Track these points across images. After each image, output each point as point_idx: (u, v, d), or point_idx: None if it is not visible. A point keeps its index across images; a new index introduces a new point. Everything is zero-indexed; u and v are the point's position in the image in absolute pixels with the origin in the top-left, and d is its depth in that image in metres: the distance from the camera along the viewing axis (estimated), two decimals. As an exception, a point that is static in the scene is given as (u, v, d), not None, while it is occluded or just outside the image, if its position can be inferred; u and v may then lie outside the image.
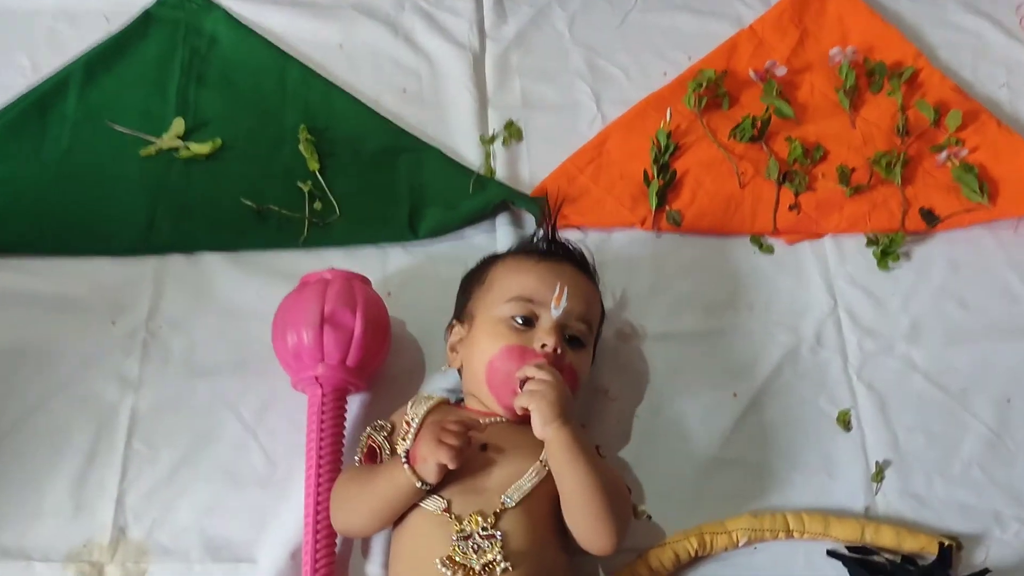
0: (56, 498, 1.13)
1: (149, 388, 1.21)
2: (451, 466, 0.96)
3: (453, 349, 1.15)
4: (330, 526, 1.08)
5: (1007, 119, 1.47)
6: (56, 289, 1.27)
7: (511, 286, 1.11)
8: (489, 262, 1.18)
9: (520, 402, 1.01)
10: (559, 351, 1.06)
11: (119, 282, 1.28)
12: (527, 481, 1.01)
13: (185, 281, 1.29)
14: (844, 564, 1.11)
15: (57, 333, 1.24)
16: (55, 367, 1.21)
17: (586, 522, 1.00)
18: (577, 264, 1.16)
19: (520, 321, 1.08)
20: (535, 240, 1.21)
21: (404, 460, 0.99)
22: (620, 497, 1.03)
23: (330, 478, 1.09)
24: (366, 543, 1.11)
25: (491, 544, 0.97)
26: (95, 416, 1.18)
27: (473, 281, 1.17)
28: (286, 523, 1.11)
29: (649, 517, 1.08)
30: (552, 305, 1.07)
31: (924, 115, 1.43)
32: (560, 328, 1.08)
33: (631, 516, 1.05)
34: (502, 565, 0.96)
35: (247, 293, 1.28)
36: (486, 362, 1.07)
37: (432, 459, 0.96)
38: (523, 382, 1.03)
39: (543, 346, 1.06)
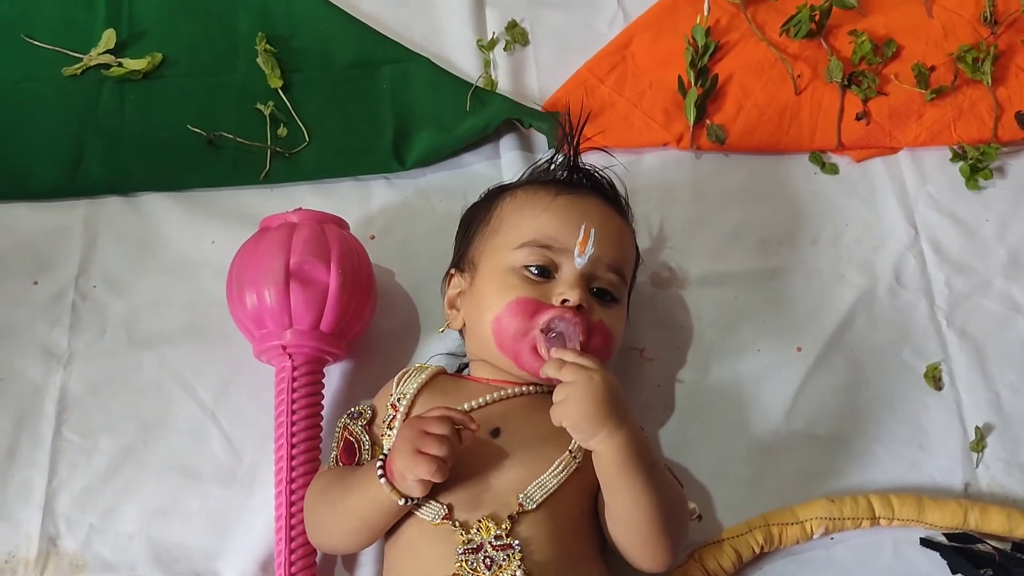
0: (-30, 504, 0.92)
1: (82, 363, 1.01)
2: (435, 479, 0.75)
3: (452, 305, 0.93)
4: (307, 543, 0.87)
5: (1116, 3, 1.22)
6: (-36, 243, 1.05)
7: (524, 228, 0.88)
8: (495, 196, 0.95)
9: (554, 415, 0.78)
10: (585, 307, 0.84)
11: (41, 232, 1.08)
12: (552, 477, 0.80)
13: (123, 229, 1.08)
14: (942, 555, 0.93)
15: (-33, 297, 1.02)
16: (-36, 340, 1.00)
17: (637, 543, 0.79)
18: (606, 198, 0.94)
19: (536, 271, 0.86)
20: (552, 167, 0.97)
21: (380, 472, 0.77)
22: (679, 511, 0.83)
23: (305, 471, 0.90)
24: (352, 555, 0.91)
25: (508, 557, 0.77)
26: (15, 400, 0.99)
27: (476, 220, 0.94)
28: (254, 527, 0.93)
29: (700, 517, 0.87)
30: (576, 252, 0.84)
31: (1016, -1, 1.19)
32: (586, 279, 0.86)
33: (689, 529, 0.84)
34: (522, 579, 0.75)
35: (200, 242, 1.07)
36: (491, 320, 0.85)
37: (410, 475, 0.75)
38: (546, 333, 0.82)
39: (564, 301, 0.84)
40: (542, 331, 0.83)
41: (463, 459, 0.79)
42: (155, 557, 0.91)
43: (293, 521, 0.88)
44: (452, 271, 0.95)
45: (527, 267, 0.86)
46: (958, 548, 0.92)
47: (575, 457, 0.81)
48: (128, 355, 1.01)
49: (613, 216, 0.92)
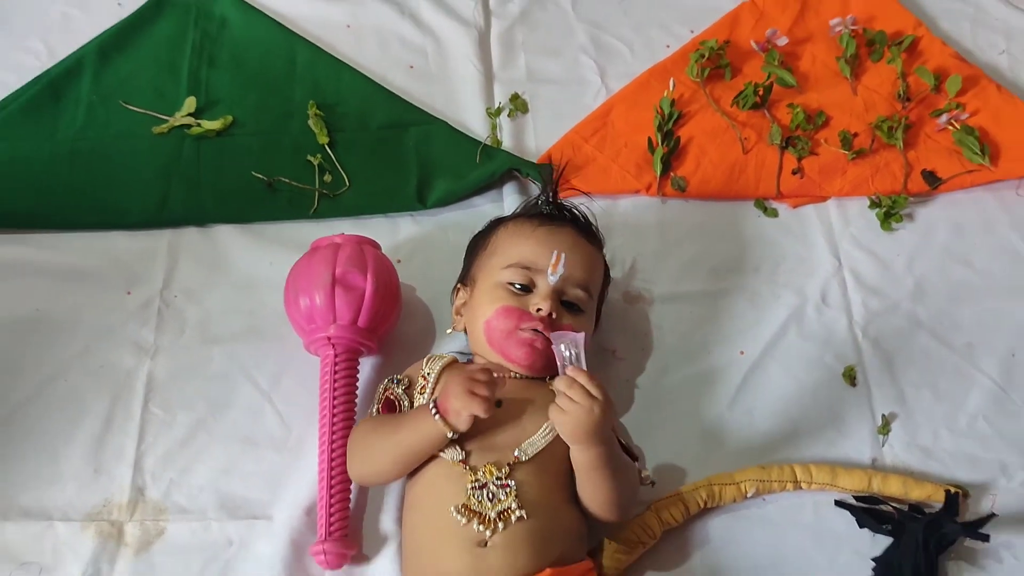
0: (75, 462, 1.15)
1: (165, 355, 1.23)
2: (484, 415, 0.98)
3: (458, 312, 1.17)
4: (344, 482, 1.10)
5: (1008, 84, 1.48)
6: (73, 261, 1.30)
7: (510, 252, 1.12)
8: (494, 226, 1.19)
9: (551, 416, 0.99)
10: (553, 316, 1.07)
11: (134, 254, 1.32)
12: (540, 438, 1.03)
13: (198, 252, 1.32)
14: (852, 513, 1.12)
15: (74, 304, 1.27)
16: (72, 337, 1.24)
17: (595, 510, 1.03)
18: (580, 229, 1.17)
19: (518, 287, 1.10)
20: (538, 204, 1.22)
21: (434, 411, 1.00)
22: (629, 490, 1.05)
23: (343, 436, 1.11)
24: (379, 498, 1.13)
25: (506, 493, 0.99)
26: (112, 383, 1.21)
27: (477, 245, 1.19)
28: (300, 482, 1.14)
29: (653, 483, 1.09)
30: (548, 271, 1.08)
31: (924, 81, 1.45)
32: (557, 293, 1.09)
33: (638, 490, 1.07)
34: (517, 513, 0.98)
35: (259, 263, 1.31)
36: (483, 323, 1.09)
37: (465, 411, 0.97)
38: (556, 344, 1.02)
39: (538, 310, 1.07)
40: (554, 342, 1.01)
41: (480, 422, 1.01)
42: (221, 504, 1.12)
43: (333, 475, 1.09)
44: (458, 285, 1.19)
45: (511, 283, 1.10)
46: (865, 508, 1.12)
47: (553, 429, 1.03)
48: (201, 350, 1.23)
49: (583, 244, 1.14)
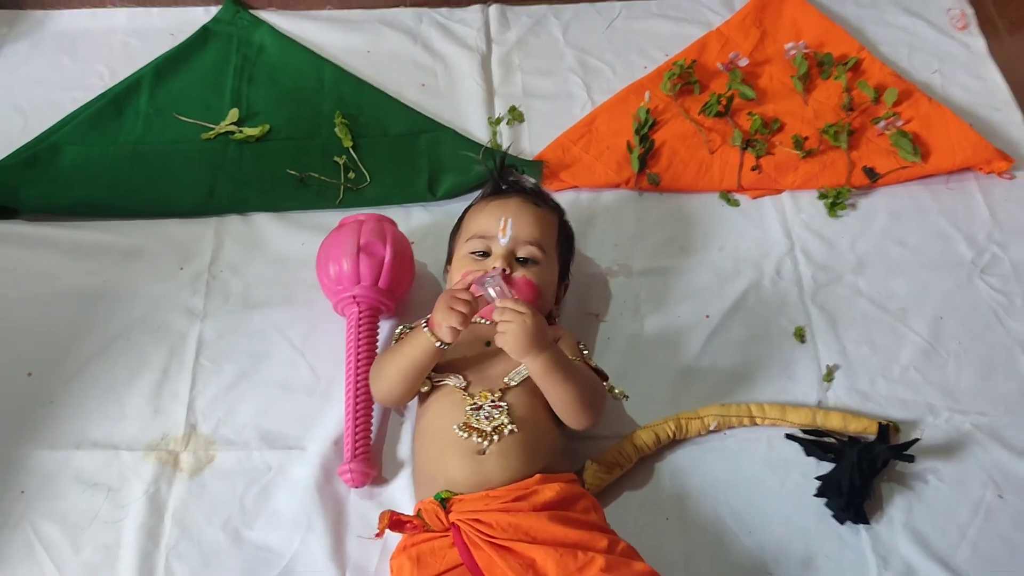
0: (137, 404, 1.35)
1: (212, 319, 1.44)
2: (460, 327, 1.17)
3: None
4: (367, 415, 1.30)
5: (939, 98, 1.71)
6: (134, 243, 1.52)
7: (470, 227, 1.33)
8: (465, 211, 1.40)
9: (496, 341, 1.18)
10: (507, 270, 1.26)
11: (186, 237, 1.54)
12: (524, 368, 1.22)
13: (240, 235, 1.54)
14: (800, 444, 1.32)
15: (135, 277, 1.48)
16: (134, 303, 1.45)
17: (565, 415, 1.21)
18: (527, 197, 1.35)
19: (479, 255, 1.30)
20: (493, 183, 1.40)
21: (424, 325, 1.21)
22: (595, 391, 1.23)
23: (366, 378, 1.31)
24: (395, 432, 1.33)
25: (499, 412, 1.19)
26: (168, 341, 1.42)
27: (454, 230, 1.40)
28: (329, 420, 1.33)
29: (626, 397, 1.29)
30: (499, 236, 1.28)
31: (866, 94, 1.68)
32: (511, 252, 1.28)
33: (606, 400, 1.26)
34: (509, 427, 1.18)
35: (292, 244, 1.53)
36: (452, 282, 1.30)
37: (446, 324, 1.17)
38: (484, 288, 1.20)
39: (494, 268, 1.26)
40: (482, 287, 1.18)
41: (471, 359, 1.23)
42: (261, 437, 1.32)
43: (358, 410, 1.29)
44: (447, 266, 1.40)
45: (473, 252, 1.30)
46: (811, 440, 1.32)
47: None
48: (243, 314, 1.44)
49: (531, 208, 1.31)
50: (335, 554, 1.22)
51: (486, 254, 1.30)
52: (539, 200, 1.37)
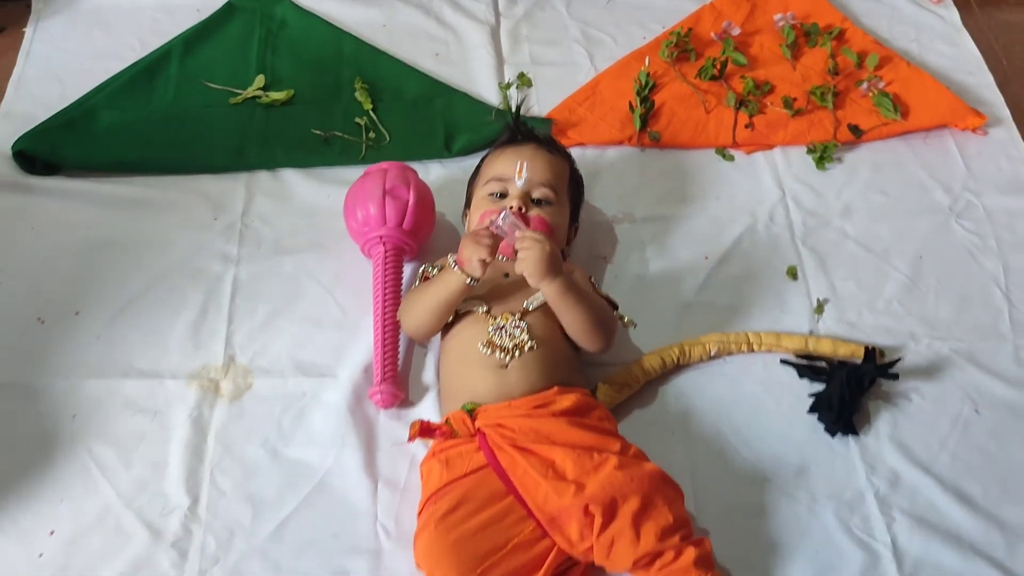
0: (179, 339, 1.45)
1: (246, 263, 1.55)
2: (488, 259, 1.28)
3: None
4: (394, 343, 1.40)
5: (916, 63, 1.85)
6: (169, 196, 1.63)
7: (487, 172, 1.45)
8: (482, 159, 1.52)
9: (516, 268, 1.30)
10: (523, 209, 1.38)
11: (219, 191, 1.64)
12: (541, 294, 1.33)
13: (269, 189, 1.65)
14: (794, 368, 1.43)
15: (172, 227, 1.59)
16: (173, 250, 1.56)
17: (581, 337, 1.32)
18: (540, 144, 1.47)
19: (497, 196, 1.41)
20: (508, 131, 1.51)
21: (454, 264, 1.32)
22: (606, 317, 1.34)
23: (393, 310, 1.42)
24: (420, 360, 1.43)
25: (520, 331, 1.30)
26: (206, 284, 1.52)
27: (472, 176, 1.52)
28: (358, 350, 1.44)
29: (634, 324, 1.40)
30: (515, 177, 1.40)
31: (849, 59, 1.81)
32: (526, 194, 1.40)
33: (617, 326, 1.37)
34: (529, 344, 1.29)
35: (318, 196, 1.64)
36: (473, 223, 1.41)
37: (475, 256, 1.28)
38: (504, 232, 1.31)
39: (509, 208, 1.37)
40: (501, 225, 1.28)
41: (492, 291, 1.34)
42: (296, 366, 1.41)
43: (386, 337, 1.39)
44: (465, 211, 1.51)
45: (491, 194, 1.42)
46: (804, 364, 1.43)
47: None
48: (275, 259, 1.54)
49: (544, 154, 1.43)
50: (368, 467, 1.32)
51: (503, 195, 1.41)
52: (551, 148, 1.48)
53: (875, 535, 1.27)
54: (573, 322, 1.31)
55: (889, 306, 1.51)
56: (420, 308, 1.35)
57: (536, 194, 1.41)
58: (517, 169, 1.40)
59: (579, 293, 1.30)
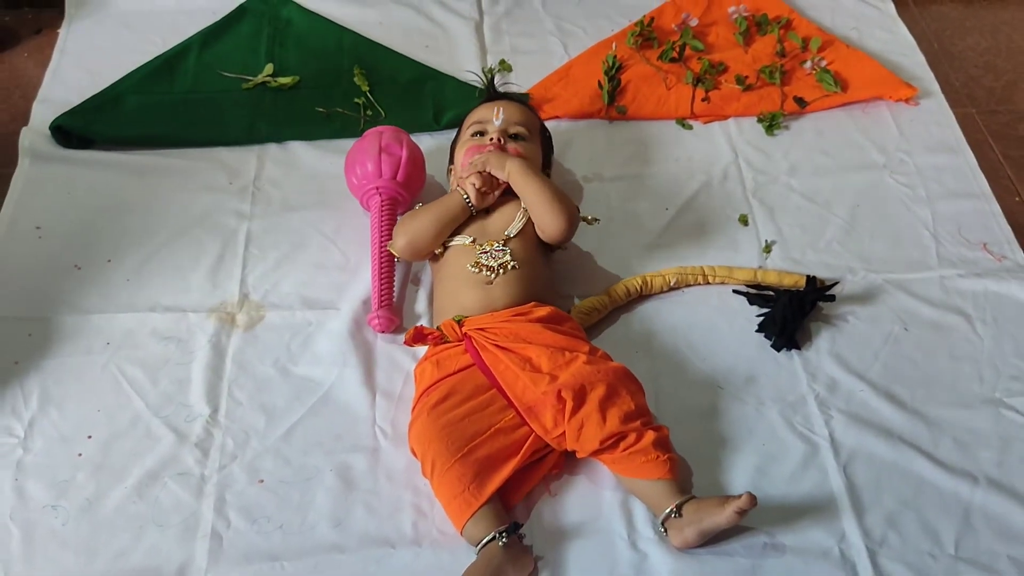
0: (199, 281, 1.64)
1: (258, 219, 1.74)
2: (480, 185, 1.52)
3: (451, 178, 1.70)
4: (391, 278, 1.59)
5: (856, 47, 2.06)
6: (190, 164, 1.83)
7: (469, 120, 1.67)
8: (462, 122, 1.73)
9: (484, 165, 1.53)
10: (502, 141, 1.59)
11: (234, 160, 1.85)
12: (518, 221, 1.53)
13: (278, 158, 1.86)
14: (745, 296, 1.61)
15: (192, 189, 1.79)
16: (193, 208, 1.75)
17: (544, 214, 1.51)
18: (512, 99, 1.71)
19: (478, 135, 1.62)
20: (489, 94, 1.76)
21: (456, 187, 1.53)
22: (566, 201, 1.52)
23: (385, 255, 1.60)
24: (412, 293, 1.62)
25: (503, 253, 1.49)
26: (222, 236, 1.71)
27: (455, 139, 1.73)
28: (358, 287, 1.62)
29: (597, 221, 1.60)
30: (493, 119, 1.62)
31: (795, 43, 2.03)
32: (503, 131, 1.61)
33: (577, 212, 1.55)
34: (511, 264, 1.48)
35: (322, 162, 1.84)
36: (461, 167, 1.61)
37: (468, 182, 1.52)
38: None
39: (490, 139, 1.59)
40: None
41: (476, 223, 1.54)
42: (302, 301, 1.60)
43: (382, 272, 1.57)
44: (449, 166, 1.71)
45: (473, 135, 1.62)
46: (754, 292, 1.62)
47: (526, 212, 1.53)
48: (283, 214, 1.73)
49: (517, 104, 1.67)
50: (367, 381, 1.50)
51: (483, 134, 1.62)
52: (524, 103, 1.71)
53: (815, 430, 1.44)
54: (536, 200, 1.51)
55: (830, 246, 1.70)
56: (420, 225, 1.54)
57: (512, 131, 1.62)
58: (495, 112, 1.62)
59: (541, 175, 1.54)
